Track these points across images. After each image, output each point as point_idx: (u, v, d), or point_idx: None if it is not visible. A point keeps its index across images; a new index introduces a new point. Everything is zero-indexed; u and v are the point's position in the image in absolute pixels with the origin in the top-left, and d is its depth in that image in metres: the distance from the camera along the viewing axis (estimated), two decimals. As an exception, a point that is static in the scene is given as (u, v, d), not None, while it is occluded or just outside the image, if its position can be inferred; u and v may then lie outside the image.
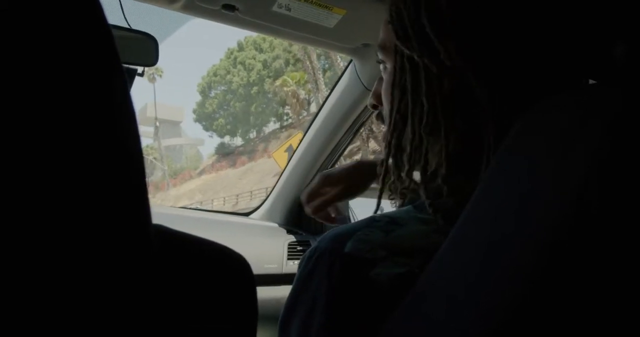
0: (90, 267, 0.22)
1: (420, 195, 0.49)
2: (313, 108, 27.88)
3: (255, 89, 36.58)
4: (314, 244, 0.48)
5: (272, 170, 27.62)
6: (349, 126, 1.37)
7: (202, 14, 1.02)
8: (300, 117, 27.46)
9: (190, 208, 1.62)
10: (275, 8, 0.99)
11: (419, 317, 0.38)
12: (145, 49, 1.01)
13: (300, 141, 1.49)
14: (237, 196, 26.73)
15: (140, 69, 1.10)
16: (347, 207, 1.82)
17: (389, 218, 0.48)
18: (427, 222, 0.46)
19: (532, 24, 0.46)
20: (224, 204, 27.21)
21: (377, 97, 0.59)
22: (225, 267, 0.31)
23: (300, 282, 0.46)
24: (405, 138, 0.51)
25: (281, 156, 9.44)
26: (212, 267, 0.30)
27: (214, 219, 1.44)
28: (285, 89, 25.21)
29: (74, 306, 0.21)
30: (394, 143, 0.52)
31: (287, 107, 31.87)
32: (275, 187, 1.57)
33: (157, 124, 43.84)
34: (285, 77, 25.83)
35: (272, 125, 38.23)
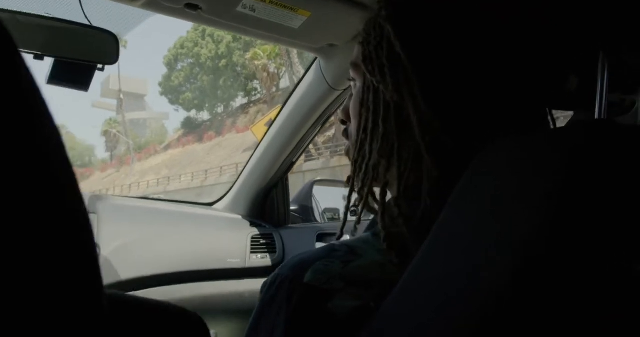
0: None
1: (378, 222, 0.50)
2: (283, 83, 27.39)
3: (224, 61, 35.63)
4: (276, 270, 0.50)
5: (241, 145, 27.19)
6: (314, 122, 1.39)
7: (164, 11, 1.00)
8: (271, 92, 27.00)
9: (152, 198, 1.61)
10: (239, 8, 0.98)
11: None
12: (106, 46, 0.99)
13: (265, 133, 1.49)
14: (206, 171, 26.32)
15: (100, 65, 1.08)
16: (311, 196, 1.85)
17: (348, 248, 0.49)
18: (384, 252, 0.48)
19: (486, 62, 0.48)
20: (192, 180, 26.79)
21: (346, 113, 0.59)
22: (182, 331, 0.31)
23: (262, 307, 0.48)
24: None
25: (260, 130, 9.14)
26: (169, 332, 0.31)
27: (176, 211, 1.44)
28: (255, 62, 24.61)
29: None
30: (359, 162, 0.52)
31: (256, 81, 31.27)
32: (239, 178, 1.58)
33: (121, 96, 42.40)
34: (256, 49, 25.05)
35: (240, 100, 37.53)
